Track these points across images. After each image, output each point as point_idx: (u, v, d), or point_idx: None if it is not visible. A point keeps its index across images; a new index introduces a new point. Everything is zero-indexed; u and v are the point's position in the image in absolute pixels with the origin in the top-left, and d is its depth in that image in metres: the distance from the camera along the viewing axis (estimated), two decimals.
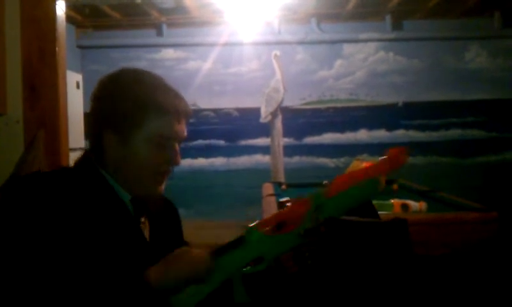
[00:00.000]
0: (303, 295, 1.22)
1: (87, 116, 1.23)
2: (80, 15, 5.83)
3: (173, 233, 1.34)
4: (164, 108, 1.17)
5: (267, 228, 1.12)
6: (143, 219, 1.23)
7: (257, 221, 1.14)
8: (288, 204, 1.17)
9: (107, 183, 1.17)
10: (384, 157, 1.14)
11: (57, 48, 2.61)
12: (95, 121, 1.19)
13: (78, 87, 4.76)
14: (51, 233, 1.01)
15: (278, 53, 5.89)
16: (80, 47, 6.49)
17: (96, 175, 1.17)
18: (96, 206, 1.11)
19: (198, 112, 6.44)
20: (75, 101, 4.40)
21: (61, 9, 2.68)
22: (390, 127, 6.59)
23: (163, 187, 1.22)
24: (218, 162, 6.64)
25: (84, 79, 4.83)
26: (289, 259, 1.14)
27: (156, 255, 1.08)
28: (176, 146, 1.21)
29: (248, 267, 1.12)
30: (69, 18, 5.55)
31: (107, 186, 1.17)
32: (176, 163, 1.21)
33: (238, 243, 1.12)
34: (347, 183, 1.13)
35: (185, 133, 1.23)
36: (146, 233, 1.22)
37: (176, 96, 1.22)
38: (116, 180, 1.18)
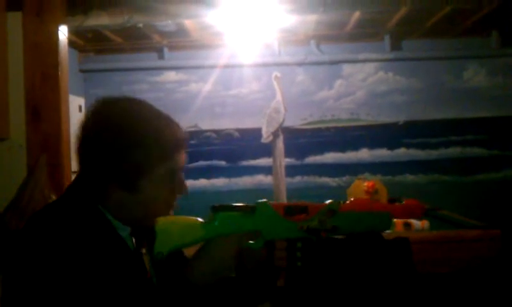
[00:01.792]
0: (292, 293, 1.24)
1: (79, 154, 1.17)
2: (83, 39, 5.89)
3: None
4: (167, 149, 1.15)
5: (279, 209, 1.14)
6: (144, 251, 1.22)
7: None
8: None
9: (107, 222, 1.15)
10: (405, 204, 1.21)
11: (59, 73, 2.64)
12: (93, 171, 1.14)
13: (80, 110, 4.80)
14: (66, 280, 1.00)
15: (279, 74, 5.93)
16: (82, 70, 6.53)
17: (96, 213, 1.14)
18: (101, 248, 1.08)
19: (200, 133, 6.46)
20: (78, 124, 4.42)
21: (63, 34, 2.71)
22: (391, 146, 6.60)
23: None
24: (220, 182, 6.64)
25: (87, 102, 4.87)
26: (281, 251, 1.15)
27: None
28: (182, 176, 1.21)
29: (248, 242, 1.14)
30: (71, 43, 5.61)
31: (107, 224, 1.14)
32: (186, 192, 1.21)
33: (245, 208, 1.14)
34: (364, 207, 1.16)
35: (185, 158, 1.22)
36: (146, 261, 1.22)
37: (171, 125, 1.19)
38: (115, 217, 1.16)
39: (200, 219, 1.17)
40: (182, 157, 1.20)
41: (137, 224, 1.19)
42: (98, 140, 1.13)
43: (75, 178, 1.20)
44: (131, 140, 1.12)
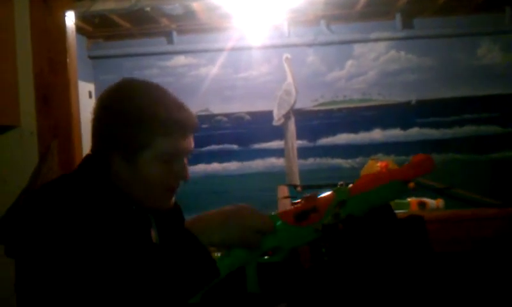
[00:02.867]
0: (317, 291, 1.21)
1: (91, 132, 1.20)
2: (91, 25, 5.87)
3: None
4: (171, 127, 1.15)
5: (289, 218, 1.11)
6: (153, 234, 1.21)
7: (280, 211, 1.14)
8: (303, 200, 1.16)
9: (119, 191, 1.15)
10: (411, 162, 1.14)
11: (68, 59, 2.63)
12: (99, 141, 1.18)
13: (90, 96, 4.81)
14: (78, 248, 1.00)
15: (289, 56, 5.88)
16: (91, 57, 6.54)
17: (108, 184, 1.15)
18: (114, 216, 1.08)
19: (211, 117, 6.45)
20: (88, 110, 4.44)
21: (70, 20, 2.70)
22: (404, 126, 6.55)
23: (173, 200, 1.22)
24: (232, 166, 6.64)
25: (96, 88, 4.86)
26: (306, 254, 1.13)
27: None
28: (185, 161, 1.20)
29: (266, 257, 1.12)
30: (80, 30, 5.60)
31: (119, 193, 1.15)
32: (185, 178, 1.20)
33: None
34: (372, 184, 1.13)
35: (193, 146, 1.21)
36: (154, 238, 1.21)
37: (181, 110, 1.19)
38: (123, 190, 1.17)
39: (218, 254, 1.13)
40: (188, 141, 1.19)
41: (142, 204, 1.18)
42: (108, 108, 1.17)
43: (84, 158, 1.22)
44: (138, 111, 1.14)
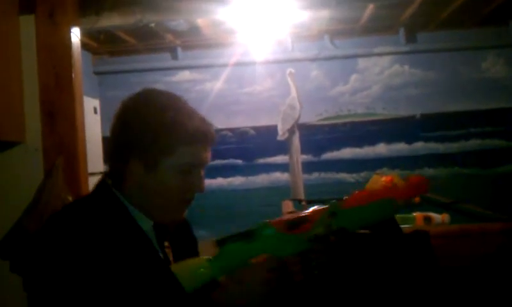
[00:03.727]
0: (306, 305, 1.21)
1: (109, 140, 1.19)
2: (96, 41, 5.91)
3: (190, 245, 1.33)
4: (194, 136, 1.15)
5: (280, 226, 1.11)
6: (166, 244, 1.22)
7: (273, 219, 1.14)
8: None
9: (128, 214, 1.15)
10: (407, 182, 1.15)
11: (73, 75, 2.64)
12: (119, 146, 1.17)
13: (95, 112, 4.81)
14: (85, 275, 1.01)
15: (293, 70, 5.90)
16: (96, 73, 6.57)
17: (117, 206, 1.15)
18: (121, 241, 1.09)
19: (215, 132, 6.44)
20: (93, 126, 4.45)
21: (76, 36, 2.71)
22: (409, 140, 6.53)
23: (186, 212, 1.22)
24: (237, 181, 6.63)
25: (102, 104, 4.88)
26: (296, 265, 1.12)
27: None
28: (202, 173, 1.20)
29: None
30: (85, 45, 5.63)
31: (128, 217, 1.15)
32: (201, 190, 1.20)
33: (248, 234, 1.12)
34: (365, 199, 1.13)
35: (210, 159, 1.22)
36: (171, 256, 1.21)
37: (203, 121, 1.21)
38: (136, 206, 1.16)
39: (206, 257, 1.14)
40: (206, 154, 1.20)
41: (154, 215, 1.18)
42: (132, 113, 1.17)
43: (101, 178, 1.22)
44: (162, 117, 1.14)
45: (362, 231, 1.28)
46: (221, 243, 1.12)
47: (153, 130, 1.13)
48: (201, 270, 1.10)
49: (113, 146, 1.18)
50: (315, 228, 1.10)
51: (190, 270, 1.11)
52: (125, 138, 1.16)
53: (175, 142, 1.14)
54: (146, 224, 1.17)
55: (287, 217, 1.15)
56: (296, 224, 1.12)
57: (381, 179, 3.84)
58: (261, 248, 1.11)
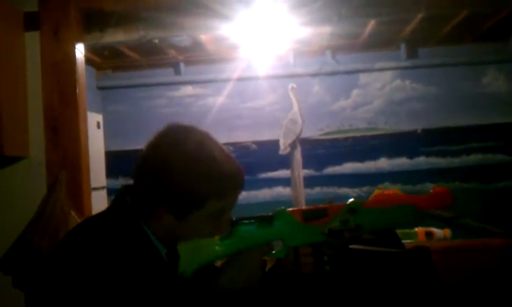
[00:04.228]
0: (314, 300, 1.21)
1: (141, 168, 1.15)
2: (100, 57, 5.95)
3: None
4: (224, 189, 1.15)
5: (297, 215, 1.12)
6: None
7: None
8: None
9: (148, 239, 1.14)
10: (431, 193, 1.13)
11: (77, 90, 2.67)
12: (148, 193, 1.14)
13: (99, 127, 4.84)
14: (103, 294, 1.00)
15: (295, 85, 5.92)
16: (100, 88, 6.60)
17: (137, 228, 1.14)
18: (141, 263, 1.08)
19: None
20: (96, 140, 4.47)
21: (80, 52, 2.74)
22: (411, 155, 6.54)
23: None
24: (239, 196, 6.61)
25: (105, 119, 4.90)
26: (307, 256, 1.12)
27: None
28: (231, 215, 1.20)
29: (273, 251, 1.12)
30: (89, 61, 5.67)
31: (148, 242, 1.14)
32: (228, 231, 1.18)
33: (264, 219, 1.12)
34: (388, 202, 1.12)
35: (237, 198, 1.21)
36: None
37: (232, 163, 1.20)
38: (155, 236, 1.15)
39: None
40: (236, 197, 1.21)
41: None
42: (161, 162, 1.13)
43: (118, 195, 1.19)
44: (195, 170, 1.12)
45: (366, 236, 1.28)
46: (234, 223, 1.13)
47: (183, 185, 1.11)
48: (216, 247, 1.10)
49: (139, 184, 1.16)
50: (332, 221, 1.10)
51: (203, 245, 1.11)
52: (152, 185, 1.13)
53: (205, 197, 1.12)
54: (163, 251, 1.18)
55: (304, 207, 1.15)
56: (313, 215, 1.12)
57: (383, 194, 3.84)
58: (274, 234, 1.12)
